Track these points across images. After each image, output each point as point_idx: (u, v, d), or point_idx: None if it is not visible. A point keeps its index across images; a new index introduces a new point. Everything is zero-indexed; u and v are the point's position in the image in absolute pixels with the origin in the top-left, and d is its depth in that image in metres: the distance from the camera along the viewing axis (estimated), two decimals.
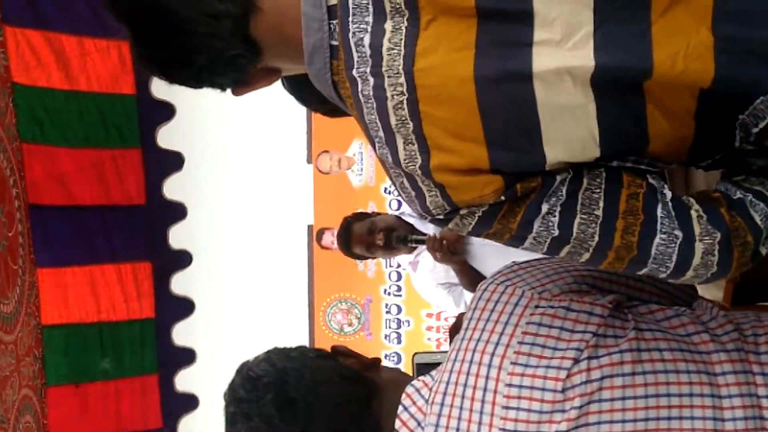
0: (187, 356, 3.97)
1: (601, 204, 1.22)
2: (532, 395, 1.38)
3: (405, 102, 1.19)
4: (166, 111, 3.76)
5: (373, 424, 1.53)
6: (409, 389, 1.52)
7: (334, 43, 1.23)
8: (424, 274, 3.68)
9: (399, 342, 5.52)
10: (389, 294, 5.51)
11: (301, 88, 2.56)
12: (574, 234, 1.24)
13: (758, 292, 1.89)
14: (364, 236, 3.53)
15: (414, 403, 1.50)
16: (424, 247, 3.46)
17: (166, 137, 3.81)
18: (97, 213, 3.64)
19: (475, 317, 1.48)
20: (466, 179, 1.21)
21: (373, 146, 1.27)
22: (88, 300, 3.61)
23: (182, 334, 3.94)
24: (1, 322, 3.00)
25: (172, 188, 3.85)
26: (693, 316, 1.48)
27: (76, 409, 3.56)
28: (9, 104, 3.25)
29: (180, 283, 3.93)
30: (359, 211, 3.89)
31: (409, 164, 1.22)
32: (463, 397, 1.43)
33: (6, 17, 3.23)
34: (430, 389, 1.49)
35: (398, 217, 3.62)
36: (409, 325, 5.50)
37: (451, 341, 1.56)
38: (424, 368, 2.23)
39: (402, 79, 1.19)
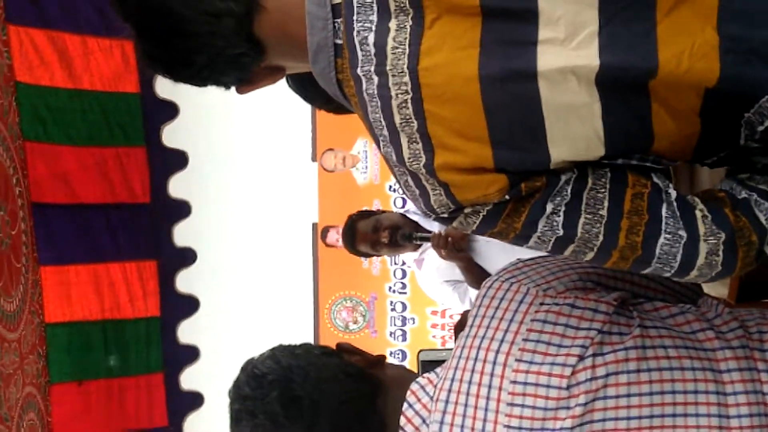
0: (191, 354, 3.98)
1: (606, 204, 1.22)
2: (537, 392, 1.38)
3: (409, 101, 1.19)
4: (171, 110, 3.76)
5: (378, 421, 1.53)
6: (414, 386, 1.52)
7: (339, 41, 1.23)
8: (429, 272, 3.68)
9: (404, 339, 5.53)
10: (394, 291, 5.51)
11: (305, 86, 2.55)
12: (579, 234, 1.24)
13: (763, 289, 1.88)
14: (369, 234, 3.53)
15: (419, 400, 1.50)
16: (428, 244, 3.46)
17: (171, 136, 3.81)
18: (101, 211, 3.64)
19: (480, 314, 1.48)
20: (470, 178, 1.21)
21: (378, 144, 1.27)
22: (92, 298, 3.61)
23: (187, 332, 3.95)
24: (4, 320, 3.00)
25: (177, 186, 3.85)
26: (698, 314, 1.47)
27: (80, 406, 3.56)
28: (12, 103, 3.25)
29: (185, 281, 3.93)
30: (364, 208, 3.88)
31: (414, 163, 1.22)
32: (468, 394, 1.43)
33: (9, 16, 3.23)
34: (435, 386, 1.49)
35: (403, 215, 3.62)
36: (414, 323, 5.50)
37: (456, 338, 1.56)
38: (429, 365, 2.22)
39: (406, 78, 1.19)
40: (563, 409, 1.37)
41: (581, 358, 1.38)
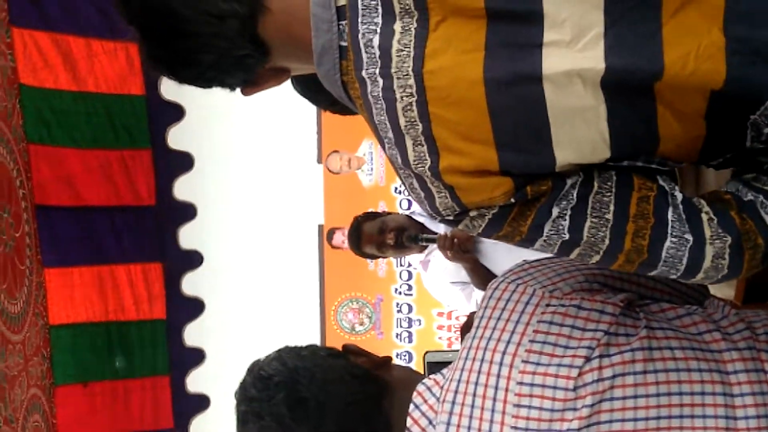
0: (197, 356, 3.98)
1: (612, 207, 1.22)
2: (543, 393, 1.38)
3: (414, 103, 1.19)
4: (176, 112, 3.77)
5: (384, 422, 1.53)
6: (420, 387, 1.52)
7: (344, 44, 1.23)
8: (435, 273, 3.67)
9: (410, 341, 5.52)
10: (400, 293, 5.50)
11: (310, 88, 2.56)
12: (585, 238, 1.23)
13: None
14: (375, 236, 3.53)
15: (425, 401, 1.50)
16: (434, 246, 3.46)
17: (176, 138, 3.82)
18: (106, 214, 3.65)
19: (486, 316, 1.48)
20: (475, 181, 1.20)
21: (383, 147, 1.27)
22: (96, 300, 3.62)
23: (193, 334, 3.95)
24: (8, 323, 3.01)
25: (182, 189, 3.86)
26: (705, 315, 1.47)
27: (85, 408, 3.57)
28: (16, 105, 3.26)
29: (190, 284, 3.94)
30: (369, 210, 3.89)
31: (419, 165, 1.22)
32: (474, 395, 1.43)
33: (13, 19, 3.24)
34: (442, 388, 1.49)
35: (409, 217, 3.62)
36: (420, 324, 5.49)
37: (462, 340, 1.55)
38: (435, 367, 2.22)
39: (411, 81, 1.18)
40: (570, 410, 1.37)
41: (588, 359, 1.37)
